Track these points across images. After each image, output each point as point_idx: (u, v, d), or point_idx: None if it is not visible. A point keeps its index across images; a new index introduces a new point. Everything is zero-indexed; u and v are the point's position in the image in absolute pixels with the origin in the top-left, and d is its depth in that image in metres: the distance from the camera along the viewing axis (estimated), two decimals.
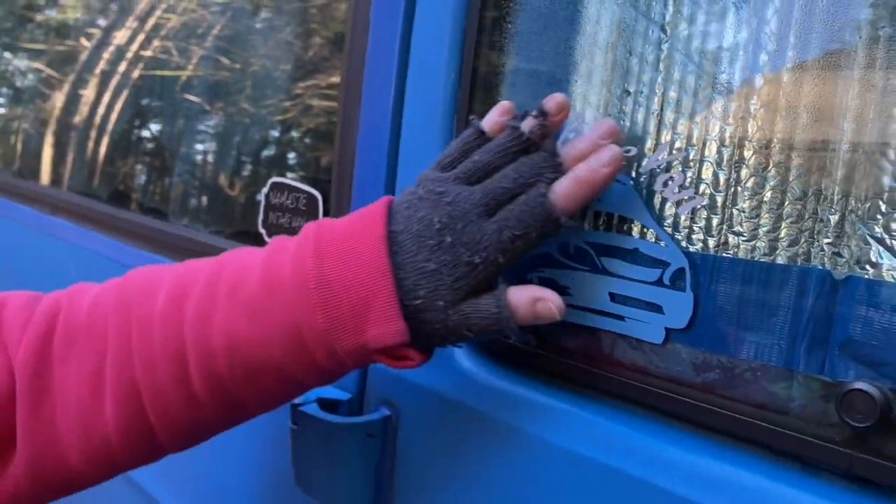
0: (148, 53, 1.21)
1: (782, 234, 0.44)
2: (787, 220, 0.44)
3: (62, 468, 0.58)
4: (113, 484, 0.61)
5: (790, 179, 0.44)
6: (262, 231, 0.85)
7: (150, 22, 1.23)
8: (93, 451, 0.56)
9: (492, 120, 0.53)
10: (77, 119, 1.42)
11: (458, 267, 0.49)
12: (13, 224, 1.40)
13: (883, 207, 0.41)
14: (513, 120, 0.52)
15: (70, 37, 1.69)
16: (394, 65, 0.66)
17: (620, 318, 0.51)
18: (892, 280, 0.40)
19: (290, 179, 0.82)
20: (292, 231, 0.80)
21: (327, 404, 0.66)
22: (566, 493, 0.51)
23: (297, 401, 0.65)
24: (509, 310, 0.49)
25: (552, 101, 0.51)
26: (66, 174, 1.42)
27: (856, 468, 0.40)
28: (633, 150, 0.51)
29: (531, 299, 0.50)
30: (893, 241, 0.40)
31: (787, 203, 0.44)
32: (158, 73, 1.18)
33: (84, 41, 1.46)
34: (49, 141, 1.52)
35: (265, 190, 0.84)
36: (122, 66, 1.28)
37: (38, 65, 1.70)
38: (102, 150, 1.30)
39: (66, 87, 1.48)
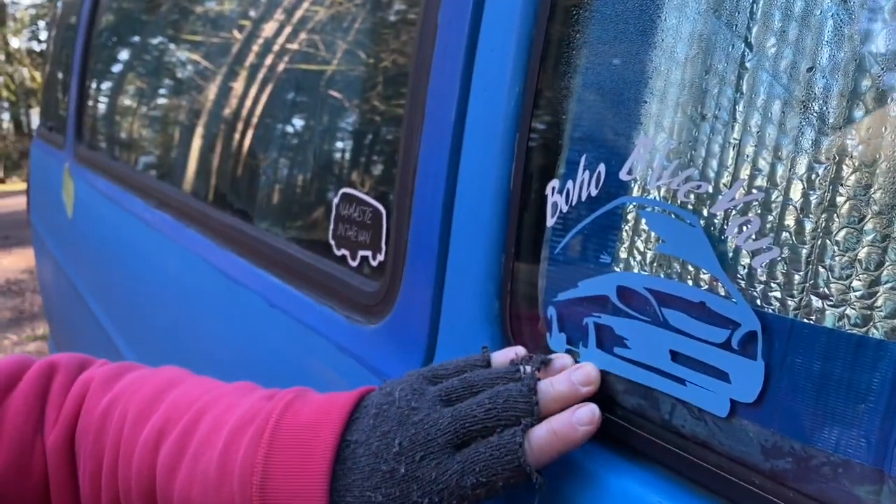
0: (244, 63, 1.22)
1: (879, 302, 0.36)
2: (886, 285, 0.36)
3: None
4: None
5: (894, 234, 0.36)
6: (332, 243, 0.82)
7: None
8: None
9: (502, 355, 0.51)
10: (190, 118, 1.46)
11: None
12: (133, 218, 1.45)
13: None
14: (519, 362, 0.49)
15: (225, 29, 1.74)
16: (457, 81, 0.60)
17: (681, 381, 0.44)
18: None
19: (358, 192, 0.78)
20: (357, 245, 0.77)
21: None
22: None
23: None
24: None
25: (581, 372, 0.47)
26: (173, 168, 1.46)
27: None
28: (705, 187, 0.44)
29: None
30: None
31: (887, 264, 0.36)
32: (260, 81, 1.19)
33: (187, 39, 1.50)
34: (160, 137, 1.58)
35: (335, 200, 0.81)
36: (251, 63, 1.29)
37: (195, 56, 1.75)
38: (203, 150, 1.32)
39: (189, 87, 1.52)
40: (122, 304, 1.52)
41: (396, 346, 0.68)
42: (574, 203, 0.51)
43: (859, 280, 0.37)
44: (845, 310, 0.37)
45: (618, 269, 0.49)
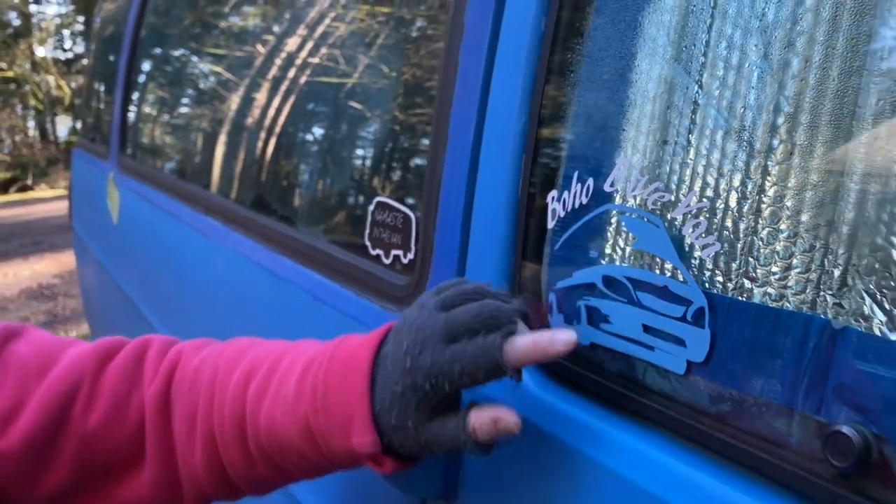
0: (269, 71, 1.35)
1: (791, 283, 0.48)
2: (795, 271, 0.48)
3: (174, 489, 0.73)
4: None
5: (800, 233, 0.48)
6: (368, 244, 0.95)
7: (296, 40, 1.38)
8: (189, 480, 0.72)
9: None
10: (233, 131, 1.60)
11: (416, 391, 0.58)
12: (179, 222, 1.60)
13: (876, 265, 0.44)
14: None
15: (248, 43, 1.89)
16: (474, 111, 0.73)
17: (651, 347, 0.57)
18: (880, 334, 0.44)
19: (391, 199, 0.91)
20: (390, 245, 0.90)
21: None
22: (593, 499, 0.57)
23: None
24: (468, 432, 0.58)
25: (563, 336, 0.57)
26: (219, 177, 1.60)
27: None
28: (667, 196, 0.56)
29: (491, 420, 0.58)
30: (884, 298, 0.44)
31: (796, 254, 0.48)
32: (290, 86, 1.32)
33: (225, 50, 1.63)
34: (203, 145, 1.72)
35: (371, 207, 0.94)
36: (277, 74, 1.43)
37: (218, 68, 1.90)
38: (248, 160, 1.46)
39: (229, 95, 1.66)
40: (169, 301, 1.66)
41: None
42: (569, 210, 0.64)
43: (777, 266, 0.49)
44: (767, 289, 0.50)
45: (603, 262, 0.61)
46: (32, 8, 22.52)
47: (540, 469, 0.63)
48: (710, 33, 0.54)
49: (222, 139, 1.63)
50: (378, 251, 0.93)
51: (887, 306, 0.43)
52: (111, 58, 2.75)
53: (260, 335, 1.18)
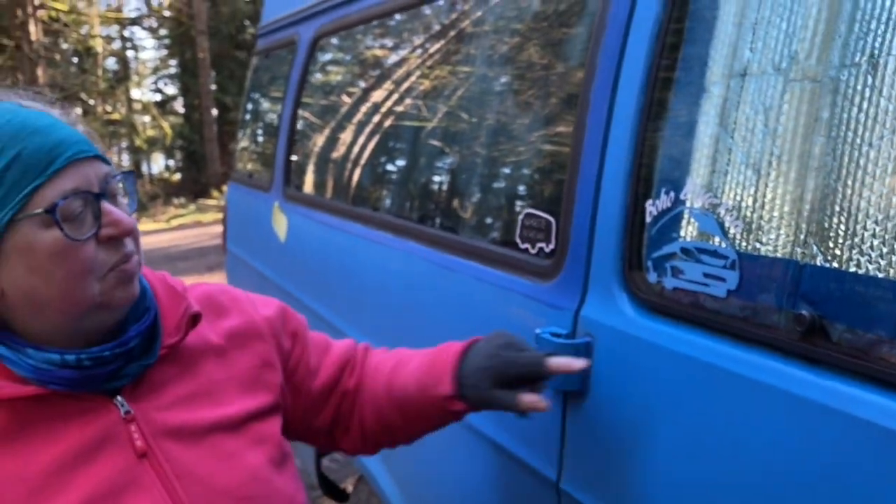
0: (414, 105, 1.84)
1: (781, 243, 0.92)
2: (783, 237, 0.92)
3: (364, 440, 1.25)
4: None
5: (784, 217, 0.92)
6: (518, 240, 1.41)
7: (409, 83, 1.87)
8: (371, 435, 1.23)
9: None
10: (391, 157, 2.11)
11: (494, 369, 1.10)
12: (351, 237, 2.11)
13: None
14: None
15: (333, 94, 2.44)
16: (598, 147, 1.20)
17: (706, 284, 1.01)
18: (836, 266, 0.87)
19: (536, 209, 1.38)
20: (536, 240, 1.36)
21: (555, 334, 1.21)
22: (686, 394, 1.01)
23: (537, 330, 1.21)
24: (517, 402, 1.09)
25: (578, 362, 1.12)
26: (388, 199, 2.11)
27: None
28: (714, 200, 1.01)
29: (532, 401, 1.08)
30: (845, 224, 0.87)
31: (783, 227, 0.92)
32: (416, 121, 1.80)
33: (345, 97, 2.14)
34: (368, 175, 2.23)
35: (521, 217, 1.41)
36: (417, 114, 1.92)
37: (307, 114, 2.43)
38: (412, 181, 1.96)
39: (377, 130, 2.17)
40: (345, 300, 2.17)
41: (561, 296, 1.27)
42: (659, 211, 1.09)
43: (772, 235, 0.93)
44: (768, 246, 0.93)
45: (679, 240, 1.06)
46: (129, 54, 24.25)
47: (644, 368, 1.07)
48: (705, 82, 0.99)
49: (385, 169, 2.14)
50: (526, 245, 1.39)
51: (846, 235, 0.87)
52: (268, 110, 3.35)
53: (429, 316, 1.67)
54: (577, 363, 1.10)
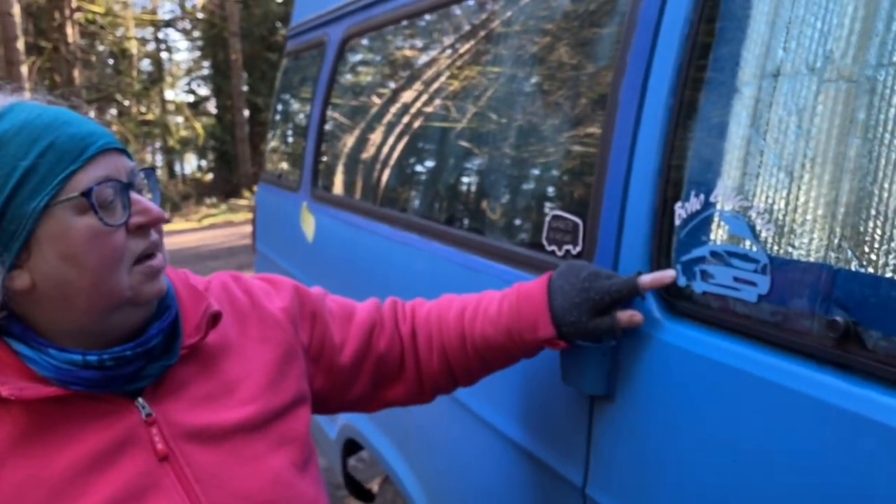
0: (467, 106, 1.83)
1: (811, 246, 0.90)
2: (814, 240, 0.90)
3: (420, 388, 1.24)
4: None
5: (809, 218, 0.90)
6: (545, 242, 1.40)
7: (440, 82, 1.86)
8: (428, 379, 1.22)
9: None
10: (420, 160, 2.10)
11: (588, 301, 1.09)
12: (378, 238, 2.11)
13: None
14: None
15: (364, 94, 2.44)
16: (626, 151, 1.18)
17: (737, 289, 0.99)
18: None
19: (563, 211, 1.37)
20: (563, 242, 1.35)
21: None
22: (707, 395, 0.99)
23: None
24: (618, 324, 1.09)
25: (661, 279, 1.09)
26: (415, 201, 2.10)
27: None
28: (745, 203, 0.99)
29: (629, 317, 1.07)
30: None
31: (811, 230, 0.90)
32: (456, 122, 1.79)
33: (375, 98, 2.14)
34: (397, 177, 2.23)
35: (548, 219, 1.40)
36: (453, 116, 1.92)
37: (337, 114, 2.44)
38: (439, 184, 1.96)
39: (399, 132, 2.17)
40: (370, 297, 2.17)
41: None
42: (689, 213, 1.07)
43: (805, 239, 0.91)
44: (800, 251, 0.91)
45: (709, 243, 1.04)
46: (163, 55, 24.60)
47: (672, 373, 1.05)
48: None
49: (412, 170, 2.13)
50: (553, 247, 1.38)
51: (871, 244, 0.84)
52: (298, 110, 3.37)
53: None
54: (669, 274, 1.08)
